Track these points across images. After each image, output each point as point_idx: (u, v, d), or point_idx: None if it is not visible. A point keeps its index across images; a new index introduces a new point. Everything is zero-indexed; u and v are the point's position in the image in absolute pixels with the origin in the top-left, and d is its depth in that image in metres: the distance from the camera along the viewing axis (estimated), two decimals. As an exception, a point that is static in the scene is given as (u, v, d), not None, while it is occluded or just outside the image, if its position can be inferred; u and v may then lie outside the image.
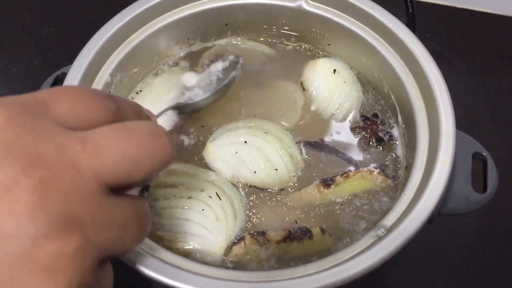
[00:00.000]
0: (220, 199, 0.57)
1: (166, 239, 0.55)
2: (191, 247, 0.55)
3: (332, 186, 0.59)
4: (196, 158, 0.62)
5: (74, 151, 0.29)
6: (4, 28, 1.04)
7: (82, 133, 0.31)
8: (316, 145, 0.64)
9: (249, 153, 0.59)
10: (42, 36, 1.02)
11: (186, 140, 0.64)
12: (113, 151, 0.30)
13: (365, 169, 0.60)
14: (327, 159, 0.62)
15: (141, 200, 0.36)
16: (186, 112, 0.63)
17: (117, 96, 0.38)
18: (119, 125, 0.33)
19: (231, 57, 0.68)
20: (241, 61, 0.66)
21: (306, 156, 0.63)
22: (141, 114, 0.39)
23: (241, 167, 0.59)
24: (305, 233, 0.55)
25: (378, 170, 0.59)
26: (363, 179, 0.59)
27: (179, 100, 0.65)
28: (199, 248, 0.55)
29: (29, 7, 1.07)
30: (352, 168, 0.61)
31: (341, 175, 0.59)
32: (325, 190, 0.58)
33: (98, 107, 0.33)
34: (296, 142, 0.63)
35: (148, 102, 0.66)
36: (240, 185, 0.59)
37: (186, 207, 0.56)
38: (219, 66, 0.68)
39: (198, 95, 0.64)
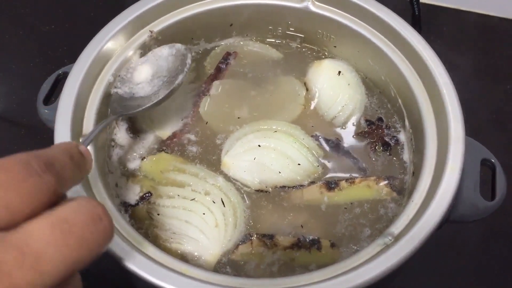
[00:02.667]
0: (224, 206, 0.56)
1: (162, 237, 0.54)
2: (186, 249, 0.54)
3: (336, 190, 0.58)
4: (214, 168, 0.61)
5: (11, 267, 0.27)
6: (4, 24, 1.03)
7: (17, 238, 0.28)
8: (331, 144, 0.63)
9: (267, 156, 0.59)
10: (42, 33, 1.01)
11: (198, 151, 0.62)
12: (53, 259, 0.28)
13: (372, 178, 0.59)
14: (339, 160, 0.61)
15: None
16: (127, 115, 0.59)
17: (53, 152, 0.33)
18: (56, 220, 0.29)
19: (178, 46, 0.62)
20: (189, 60, 0.59)
21: (325, 145, 0.62)
22: (78, 160, 0.36)
23: (264, 171, 0.58)
24: (314, 243, 0.54)
25: (386, 182, 0.58)
26: (368, 188, 0.58)
27: (120, 93, 0.60)
28: (194, 252, 0.54)
29: (30, 3, 1.06)
30: (359, 174, 0.60)
31: (347, 180, 0.58)
32: (328, 193, 0.58)
33: (35, 192, 0.30)
34: (312, 136, 0.62)
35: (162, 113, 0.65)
36: (270, 189, 0.58)
37: (188, 209, 0.55)
38: (164, 52, 0.62)
39: (139, 91, 0.60)
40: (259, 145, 0.59)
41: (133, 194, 0.57)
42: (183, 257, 0.53)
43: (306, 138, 0.61)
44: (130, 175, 0.59)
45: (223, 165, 0.60)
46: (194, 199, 0.56)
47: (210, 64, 0.70)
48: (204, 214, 0.55)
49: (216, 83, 0.67)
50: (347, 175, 0.60)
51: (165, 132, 0.63)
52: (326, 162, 0.61)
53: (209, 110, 0.65)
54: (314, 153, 0.60)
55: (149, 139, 0.63)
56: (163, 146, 0.62)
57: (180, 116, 0.65)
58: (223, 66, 0.69)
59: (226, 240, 0.54)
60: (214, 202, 0.56)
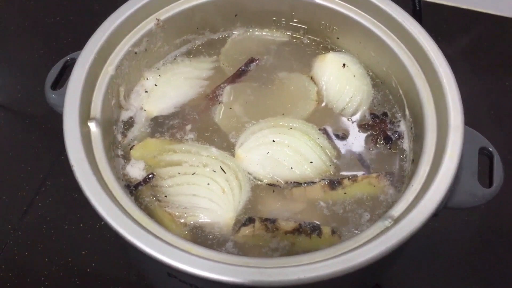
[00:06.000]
0: (225, 172, 0.57)
1: (176, 215, 0.56)
2: (201, 220, 0.56)
3: (338, 188, 0.59)
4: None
5: None
6: (9, 16, 1.04)
7: None
8: (337, 138, 0.64)
9: (280, 151, 0.60)
10: (47, 24, 1.02)
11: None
12: None
13: (374, 175, 0.59)
14: (347, 158, 0.62)
15: None
16: None
17: None
18: None
19: None
20: None
21: (335, 141, 0.63)
22: None
23: (277, 166, 0.59)
24: (314, 230, 0.55)
25: (387, 179, 0.59)
26: (370, 185, 0.59)
27: None
28: (209, 220, 0.55)
29: (35, -5, 1.07)
30: (363, 171, 0.61)
31: (349, 178, 0.59)
32: (330, 192, 0.59)
33: None
34: (319, 129, 0.63)
35: (160, 93, 0.67)
36: (282, 183, 0.59)
37: (191, 183, 0.57)
38: None
39: None
40: (273, 141, 0.60)
41: (138, 169, 0.59)
42: (201, 228, 0.55)
43: (320, 137, 0.62)
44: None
45: (236, 157, 0.60)
46: (194, 173, 0.57)
47: (227, 62, 0.71)
48: (208, 184, 0.56)
49: (227, 89, 0.67)
50: (353, 172, 0.61)
51: (153, 110, 0.65)
52: (338, 162, 0.62)
53: (224, 118, 0.65)
54: (328, 152, 0.61)
55: (140, 118, 0.64)
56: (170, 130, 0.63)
57: (176, 102, 0.66)
58: (244, 70, 0.70)
59: (236, 203, 0.56)
60: (214, 171, 0.57)
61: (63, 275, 0.72)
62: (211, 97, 0.67)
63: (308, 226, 0.55)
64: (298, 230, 0.55)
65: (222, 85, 0.68)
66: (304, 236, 0.55)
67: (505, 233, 0.78)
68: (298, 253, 0.53)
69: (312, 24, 0.71)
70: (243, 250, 0.54)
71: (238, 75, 0.69)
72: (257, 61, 0.71)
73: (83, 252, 0.73)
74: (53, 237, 0.75)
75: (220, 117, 0.65)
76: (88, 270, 0.72)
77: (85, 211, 0.74)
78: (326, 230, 0.55)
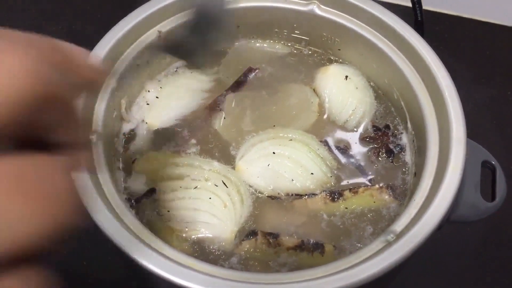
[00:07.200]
0: (227, 187, 0.57)
1: (177, 229, 0.56)
2: (202, 235, 0.55)
3: (339, 200, 0.58)
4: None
5: None
6: (11, 24, 1.02)
7: None
8: (339, 150, 0.64)
9: (281, 163, 0.59)
10: (49, 33, 0.99)
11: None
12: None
13: (376, 187, 0.59)
14: (349, 170, 0.62)
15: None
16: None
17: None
18: (18, 184, 0.24)
19: None
20: None
21: (337, 153, 0.63)
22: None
23: (278, 178, 0.59)
24: (317, 247, 0.55)
25: (388, 191, 0.59)
26: (371, 197, 0.58)
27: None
28: (210, 235, 0.55)
29: (37, 3, 1.07)
30: (364, 181, 0.61)
31: (350, 190, 0.59)
32: (331, 203, 0.58)
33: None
34: (321, 141, 0.63)
35: (162, 105, 0.67)
36: (283, 195, 0.59)
37: (193, 197, 0.57)
38: None
39: None
40: (273, 152, 0.60)
41: (140, 183, 0.59)
42: (203, 243, 0.55)
43: (321, 148, 0.62)
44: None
45: (237, 169, 0.60)
46: (196, 187, 0.57)
47: (228, 73, 0.71)
48: (210, 198, 0.56)
49: (229, 97, 0.67)
50: (354, 184, 0.61)
51: (154, 123, 0.65)
52: (339, 173, 0.62)
53: (225, 126, 0.65)
54: (328, 163, 0.61)
55: (142, 131, 0.64)
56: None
57: (178, 115, 0.66)
58: (242, 80, 0.70)
59: (238, 217, 0.56)
60: (216, 186, 0.57)
61: (63, 285, 0.71)
62: (212, 108, 0.67)
63: (311, 243, 0.55)
64: (300, 247, 0.55)
65: (222, 94, 0.68)
66: (306, 253, 0.55)
67: (509, 245, 0.77)
68: (303, 269, 0.53)
69: (314, 35, 0.71)
70: (247, 265, 0.54)
71: (237, 85, 0.69)
72: (256, 71, 0.71)
73: (84, 263, 0.73)
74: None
75: (221, 124, 0.65)
76: (89, 280, 0.71)
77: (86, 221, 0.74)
78: (328, 248, 0.55)
